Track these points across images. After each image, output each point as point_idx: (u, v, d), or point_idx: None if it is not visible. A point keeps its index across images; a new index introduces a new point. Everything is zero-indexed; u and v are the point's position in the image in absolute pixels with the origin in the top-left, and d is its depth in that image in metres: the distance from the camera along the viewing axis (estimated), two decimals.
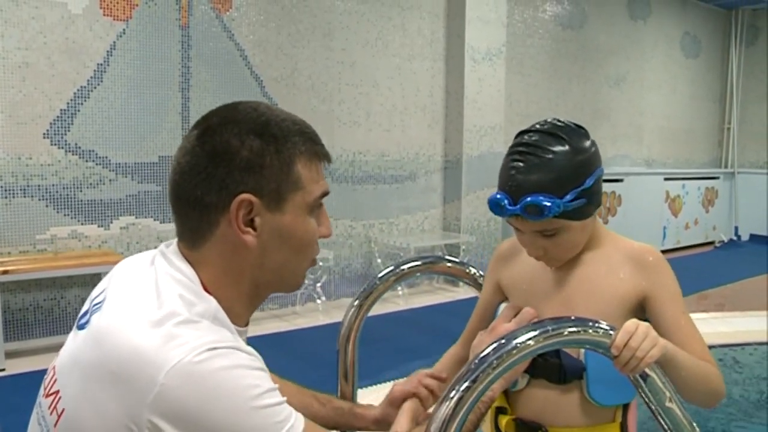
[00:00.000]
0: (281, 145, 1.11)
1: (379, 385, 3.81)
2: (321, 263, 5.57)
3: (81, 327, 1.13)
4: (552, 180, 1.37)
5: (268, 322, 5.24)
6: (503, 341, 1.14)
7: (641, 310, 1.47)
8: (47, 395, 1.10)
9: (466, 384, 1.11)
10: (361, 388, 3.69)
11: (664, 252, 7.33)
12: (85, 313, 1.16)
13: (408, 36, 6.42)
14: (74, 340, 1.12)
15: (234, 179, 1.08)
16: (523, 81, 7.57)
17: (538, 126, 1.46)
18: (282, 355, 4.53)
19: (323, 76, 5.83)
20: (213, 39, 5.19)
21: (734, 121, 10.50)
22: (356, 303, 1.78)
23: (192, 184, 1.10)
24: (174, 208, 1.14)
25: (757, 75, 10.41)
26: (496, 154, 6.79)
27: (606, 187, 6.96)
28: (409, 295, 6.05)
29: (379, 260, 6.15)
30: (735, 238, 10.11)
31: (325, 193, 1.18)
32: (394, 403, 1.50)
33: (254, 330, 4.79)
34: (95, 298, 1.17)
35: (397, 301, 5.90)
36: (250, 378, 1.01)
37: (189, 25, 5.04)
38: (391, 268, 1.81)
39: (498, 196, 1.42)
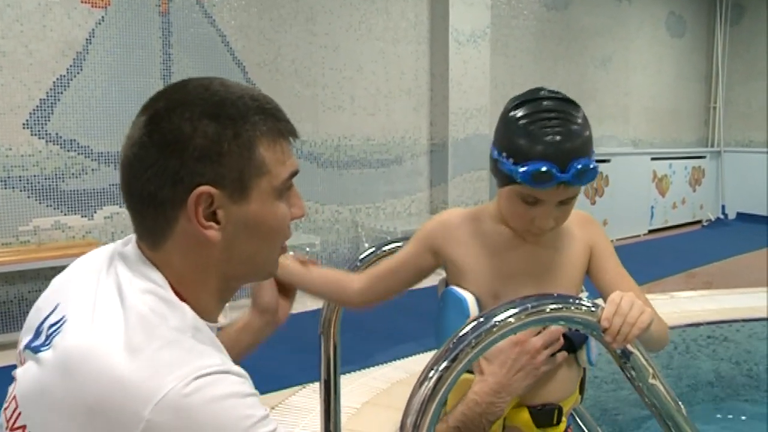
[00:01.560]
0: (239, 128, 0.99)
1: (365, 370, 3.81)
2: (308, 249, 5.54)
3: (36, 350, 1.00)
4: (587, 144, 1.35)
5: None
6: (482, 319, 1.12)
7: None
8: (11, 430, 0.98)
9: (445, 363, 1.09)
10: (346, 373, 3.72)
11: (652, 231, 7.41)
12: (38, 332, 1.03)
13: (391, 19, 6.37)
14: (35, 366, 0.98)
15: (189, 171, 0.97)
16: (508, 63, 7.54)
17: (545, 93, 1.39)
18: (268, 341, 4.50)
19: (306, 61, 5.78)
20: (194, 25, 5.13)
21: (720, 100, 10.51)
22: None
23: (143, 179, 0.98)
24: (127, 205, 1.04)
25: (742, 54, 10.41)
26: (482, 136, 6.76)
27: None
28: None
29: (366, 245, 6.13)
30: (722, 216, 10.14)
31: (294, 173, 1.08)
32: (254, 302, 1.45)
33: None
34: (49, 315, 1.04)
35: None
36: (242, 407, 0.92)
37: (169, 12, 4.98)
38: (372, 249, 1.79)
39: (543, 165, 1.30)
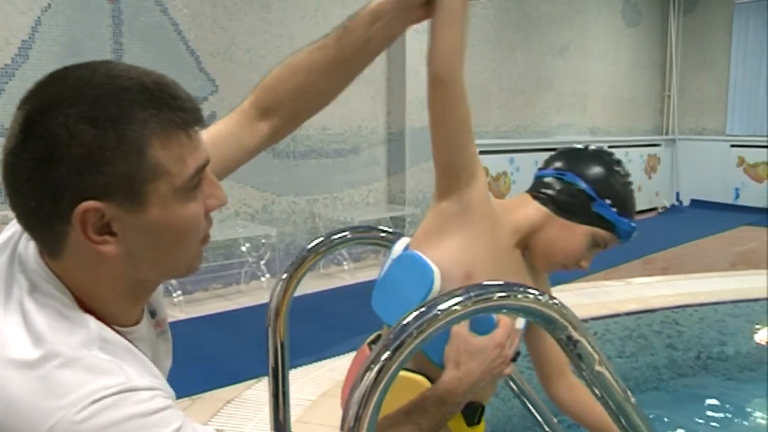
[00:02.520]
0: (123, 130, 0.85)
1: (322, 362, 3.78)
2: (264, 240, 5.49)
3: None
4: None
5: (212, 302, 5.14)
6: (423, 309, 1.09)
7: None
8: None
9: (387, 354, 1.06)
10: (303, 365, 3.68)
11: None
12: None
13: (348, 7, 6.30)
14: None
15: (69, 186, 0.85)
16: (467, 51, 7.51)
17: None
18: (229, 334, 4.46)
19: (261, 50, 5.70)
20: (145, 14, 5.01)
21: (674, 88, 10.65)
22: (284, 276, 1.72)
23: (21, 193, 0.87)
24: (15, 216, 0.92)
25: (696, 43, 10.56)
26: None
27: None
28: (355, 269, 6.00)
29: None
30: (677, 203, 10.31)
31: (202, 166, 0.94)
32: None
33: (198, 310, 4.75)
34: None
35: (343, 276, 5.86)
36: (146, 428, 0.83)
37: (119, 0, 4.86)
38: (321, 238, 1.76)
39: (634, 224, 1.51)
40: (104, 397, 0.82)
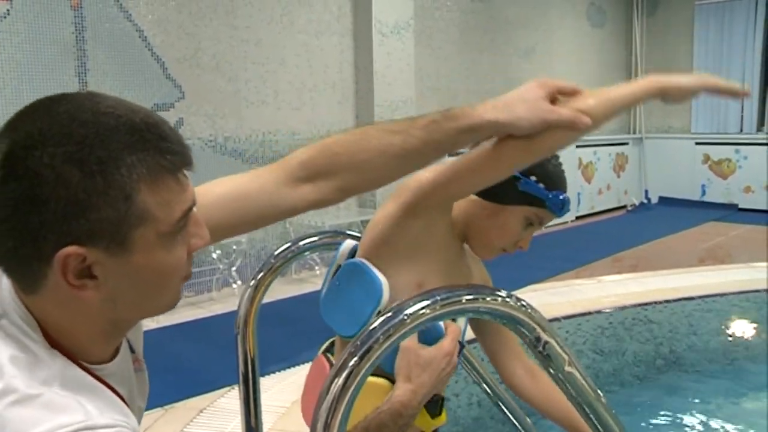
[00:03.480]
0: (111, 174, 0.83)
1: (296, 368, 3.75)
2: (234, 246, 5.45)
3: None
4: None
5: (183, 311, 5.08)
6: (390, 314, 1.08)
7: None
8: None
9: (354, 360, 1.05)
10: (276, 372, 3.66)
11: (579, 218, 7.56)
12: None
13: (314, 12, 6.30)
14: None
15: (52, 230, 0.82)
16: (434, 54, 7.55)
17: None
18: (201, 342, 4.41)
19: (228, 55, 5.66)
20: (109, 20, 4.95)
21: None
22: (252, 283, 1.70)
23: (0, 231, 0.84)
24: None
25: (659, 44, 10.69)
26: None
27: None
28: None
29: None
30: (645, 201, 10.42)
31: (188, 210, 0.92)
32: (547, 84, 1.24)
33: (169, 319, 4.69)
34: None
35: (315, 281, 5.83)
36: None
37: (82, 6, 4.80)
38: (288, 244, 1.74)
39: (565, 196, 1.48)
40: None
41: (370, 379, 1.38)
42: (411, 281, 1.38)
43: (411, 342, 1.33)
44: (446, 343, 1.35)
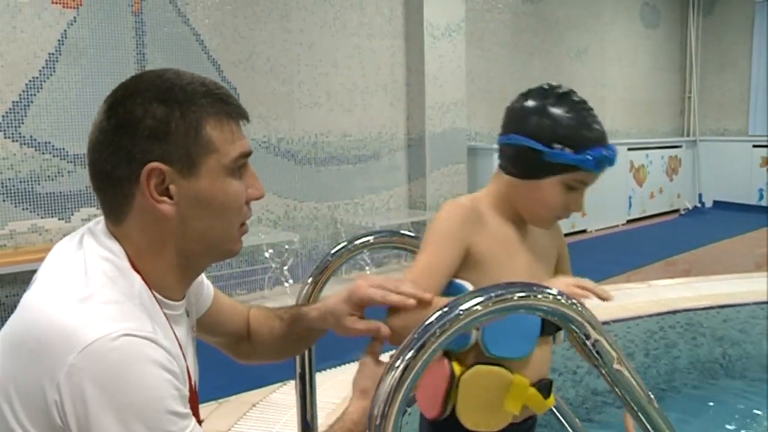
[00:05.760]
0: (186, 109, 1.08)
1: (345, 366, 3.81)
2: (287, 246, 5.54)
3: None
4: None
5: None
6: (446, 309, 1.13)
7: None
8: None
9: (411, 353, 1.10)
10: (326, 369, 3.72)
11: (630, 221, 7.46)
12: None
13: (366, 15, 6.37)
14: None
15: (140, 149, 1.06)
16: (484, 56, 7.56)
17: (557, 86, 1.49)
18: None
19: (282, 58, 5.77)
20: (168, 24, 5.10)
21: (694, 90, 10.60)
22: (310, 281, 1.76)
23: (102, 159, 1.09)
24: (93, 185, 1.13)
25: (715, 44, 10.50)
26: (458, 130, 6.79)
27: None
28: (378, 274, 6.01)
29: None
30: (699, 205, 10.24)
31: (245, 154, 1.15)
32: (353, 298, 1.41)
33: None
34: (30, 285, 1.15)
35: None
36: (158, 378, 0.98)
37: (142, 11, 4.95)
38: (344, 243, 1.80)
39: (603, 150, 1.41)
40: (135, 335, 0.98)
41: (486, 368, 1.46)
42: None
43: (369, 358, 1.38)
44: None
